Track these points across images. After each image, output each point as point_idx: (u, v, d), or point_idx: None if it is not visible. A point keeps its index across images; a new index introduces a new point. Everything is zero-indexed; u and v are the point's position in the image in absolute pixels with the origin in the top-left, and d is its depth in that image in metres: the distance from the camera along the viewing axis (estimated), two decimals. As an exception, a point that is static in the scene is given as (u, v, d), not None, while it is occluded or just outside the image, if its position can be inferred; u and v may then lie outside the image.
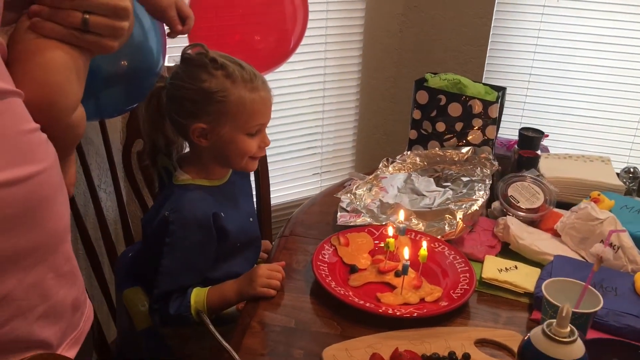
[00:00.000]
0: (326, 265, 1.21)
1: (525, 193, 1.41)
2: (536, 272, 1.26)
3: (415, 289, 1.16)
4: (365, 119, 2.48)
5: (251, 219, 1.32)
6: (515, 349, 1.05)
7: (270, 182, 1.81)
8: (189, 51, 1.16)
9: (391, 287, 1.18)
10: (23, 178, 0.69)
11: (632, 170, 1.60)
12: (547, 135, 1.68)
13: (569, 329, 0.72)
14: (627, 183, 1.58)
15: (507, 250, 1.34)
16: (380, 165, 1.61)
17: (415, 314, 1.08)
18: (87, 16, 0.76)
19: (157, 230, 1.18)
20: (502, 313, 1.16)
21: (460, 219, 1.33)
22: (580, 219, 1.31)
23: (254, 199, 1.54)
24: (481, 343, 1.07)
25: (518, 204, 1.40)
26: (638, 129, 2.35)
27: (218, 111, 1.15)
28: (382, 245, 1.26)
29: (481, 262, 1.29)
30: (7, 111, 0.68)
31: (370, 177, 1.56)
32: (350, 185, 1.57)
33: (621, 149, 2.37)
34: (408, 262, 1.12)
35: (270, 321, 1.10)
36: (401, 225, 1.24)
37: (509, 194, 1.41)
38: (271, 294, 1.15)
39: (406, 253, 1.14)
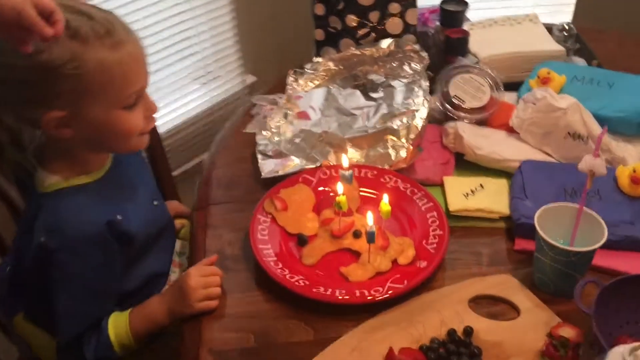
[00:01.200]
0: (269, 246, 0.96)
1: (469, 89, 1.19)
2: (504, 185, 1.09)
3: (383, 250, 0.95)
4: (245, 12, 2.06)
5: (155, 202, 1.02)
6: (513, 299, 0.90)
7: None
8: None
9: (353, 253, 0.96)
10: None
11: (566, 27, 1.42)
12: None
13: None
14: (563, 43, 1.40)
15: (462, 162, 1.15)
16: (289, 79, 1.31)
17: (391, 292, 0.88)
18: None
19: (37, 260, 0.87)
20: (482, 249, 1.00)
21: (405, 141, 1.10)
22: (540, 112, 1.12)
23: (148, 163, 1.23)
24: (475, 302, 0.90)
25: (464, 105, 1.19)
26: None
27: (74, 90, 0.80)
28: (326, 189, 1.04)
29: (439, 185, 1.10)
30: None
31: (283, 99, 1.27)
32: (259, 114, 1.28)
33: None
34: (374, 229, 0.89)
35: (223, 345, 0.85)
36: (346, 173, 1.00)
37: (452, 94, 1.19)
38: (211, 306, 0.89)
39: (370, 218, 0.90)
